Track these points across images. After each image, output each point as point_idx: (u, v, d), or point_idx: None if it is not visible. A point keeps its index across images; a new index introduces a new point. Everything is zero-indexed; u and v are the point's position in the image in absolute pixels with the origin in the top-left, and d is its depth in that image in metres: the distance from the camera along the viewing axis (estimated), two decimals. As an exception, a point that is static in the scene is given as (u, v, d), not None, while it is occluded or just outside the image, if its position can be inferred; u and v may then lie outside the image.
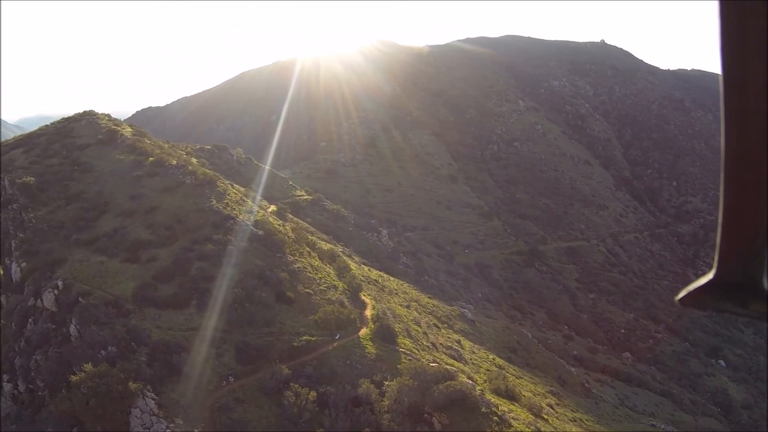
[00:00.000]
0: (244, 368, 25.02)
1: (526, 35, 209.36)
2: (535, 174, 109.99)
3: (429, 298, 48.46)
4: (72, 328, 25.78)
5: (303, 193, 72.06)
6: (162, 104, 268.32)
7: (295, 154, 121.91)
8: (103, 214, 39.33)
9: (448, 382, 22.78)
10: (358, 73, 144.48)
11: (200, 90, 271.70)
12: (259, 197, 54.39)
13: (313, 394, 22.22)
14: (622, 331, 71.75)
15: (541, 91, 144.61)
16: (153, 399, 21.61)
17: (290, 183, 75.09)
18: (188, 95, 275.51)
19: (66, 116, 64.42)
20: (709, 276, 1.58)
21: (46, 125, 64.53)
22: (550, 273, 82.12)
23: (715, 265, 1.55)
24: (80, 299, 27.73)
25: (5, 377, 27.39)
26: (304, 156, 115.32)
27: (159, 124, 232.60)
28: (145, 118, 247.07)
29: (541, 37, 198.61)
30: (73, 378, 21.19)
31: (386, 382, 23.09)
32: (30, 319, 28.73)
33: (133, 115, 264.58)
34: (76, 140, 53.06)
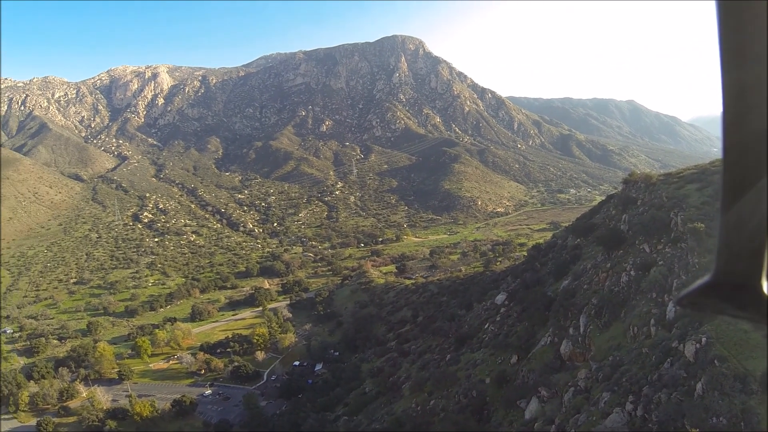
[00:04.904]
0: None
1: None
2: None
3: None
4: (699, 386, 28.75)
5: None
6: None
7: None
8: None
9: None
10: None
11: None
12: None
13: None
14: None
15: None
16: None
17: None
18: None
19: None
20: (708, 277, 1.60)
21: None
22: None
23: (714, 266, 1.57)
24: (715, 362, 30.03)
25: (630, 398, 32.65)
26: None
27: None
28: None
29: None
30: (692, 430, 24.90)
31: None
32: (669, 359, 33.07)
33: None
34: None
